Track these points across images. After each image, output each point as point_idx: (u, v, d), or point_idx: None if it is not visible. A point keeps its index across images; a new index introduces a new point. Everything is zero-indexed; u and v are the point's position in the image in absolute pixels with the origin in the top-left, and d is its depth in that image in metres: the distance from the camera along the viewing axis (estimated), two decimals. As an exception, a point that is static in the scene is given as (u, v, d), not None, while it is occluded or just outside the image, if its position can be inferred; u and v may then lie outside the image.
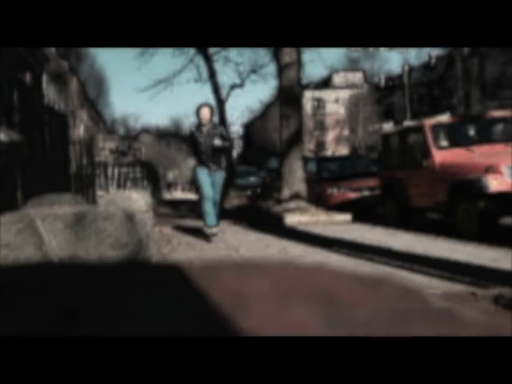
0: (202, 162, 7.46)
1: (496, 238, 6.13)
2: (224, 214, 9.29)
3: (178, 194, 54.20)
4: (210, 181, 7.26)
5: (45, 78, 22.14)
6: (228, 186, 14.36)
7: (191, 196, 40.30)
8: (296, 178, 11.09)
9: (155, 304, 0.47)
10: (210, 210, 7.20)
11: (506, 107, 16.35)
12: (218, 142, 7.30)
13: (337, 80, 53.42)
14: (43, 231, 3.03)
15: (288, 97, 11.33)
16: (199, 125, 7.48)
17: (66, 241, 3.08)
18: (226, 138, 7.51)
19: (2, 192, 4.41)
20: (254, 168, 23.31)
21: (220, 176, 7.35)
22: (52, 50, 28.12)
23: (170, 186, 65.05)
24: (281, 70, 11.44)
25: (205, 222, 7.25)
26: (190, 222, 10.89)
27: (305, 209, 10.54)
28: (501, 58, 31.26)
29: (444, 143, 8.28)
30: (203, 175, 7.33)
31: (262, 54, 21.94)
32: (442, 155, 7.94)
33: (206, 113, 7.37)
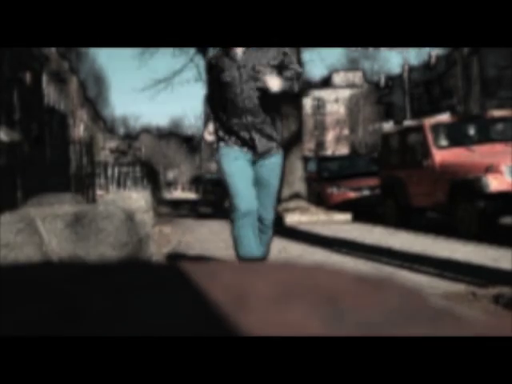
0: (231, 132, 3.55)
1: (496, 238, 6.13)
2: (223, 214, 9.28)
3: (178, 194, 54.30)
4: (252, 175, 3.53)
5: (45, 78, 22.12)
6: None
7: (191, 195, 40.32)
8: (296, 177, 11.10)
9: (155, 304, 0.47)
10: (247, 232, 3.41)
11: (505, 107, 16.35)
12: (276, 82, 3.47)
13: (337, 80, 53.45)
14: (43, 231, 3.03)
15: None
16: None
17: (66, 240, 3.08)
18: (291, 69, 3.63)
19: (2, 192, 4.41)
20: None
21: (275, 163, 3.64)
22: (52, 50, 28.12)
23: (170, 185, 65.21)
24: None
25: (238, 252, 3.47)
26: (190, 222, 10.90)
27: (305, 208, 10.55)
28: (500, 59, 31.28)
29: (444, 143, 8.28)
30: (235, 164, 3.50)
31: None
32: (442, 155, 7.94)
33: None
